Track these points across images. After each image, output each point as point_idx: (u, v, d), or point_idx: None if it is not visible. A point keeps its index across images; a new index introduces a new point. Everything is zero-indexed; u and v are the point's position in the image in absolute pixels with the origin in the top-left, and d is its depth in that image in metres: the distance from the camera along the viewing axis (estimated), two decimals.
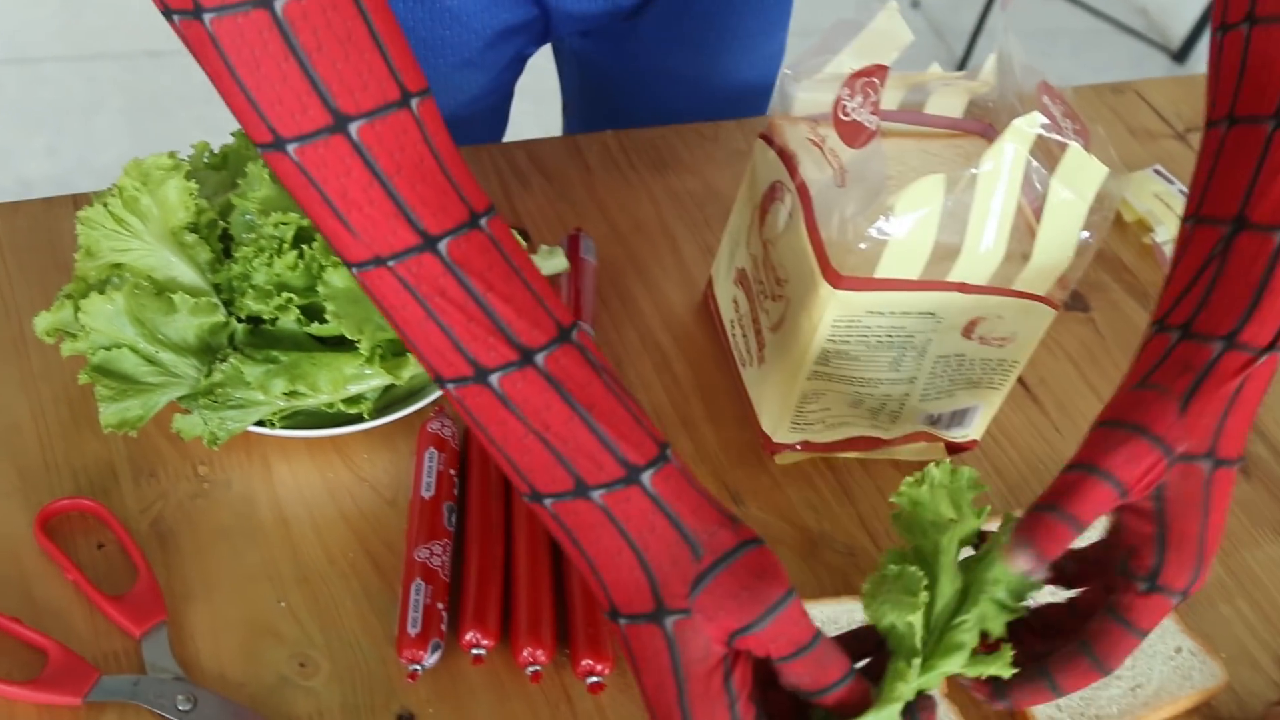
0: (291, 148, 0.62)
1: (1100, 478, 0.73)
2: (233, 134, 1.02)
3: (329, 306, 0.88)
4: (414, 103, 0.64)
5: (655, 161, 1.24)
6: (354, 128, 0.62)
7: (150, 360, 0.89)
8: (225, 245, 0.94)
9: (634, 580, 0.67)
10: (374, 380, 0.90)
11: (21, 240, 1.05)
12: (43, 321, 0.91)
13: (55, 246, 1.05)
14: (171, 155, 0.91)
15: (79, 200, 1.08)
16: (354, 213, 0.63)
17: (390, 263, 0.64)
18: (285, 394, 0.88)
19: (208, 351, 0.90)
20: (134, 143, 2.63)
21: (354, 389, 0.90)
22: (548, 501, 0.67)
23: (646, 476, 0.67)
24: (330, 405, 0.91)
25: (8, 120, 2.69)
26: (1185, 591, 0.75)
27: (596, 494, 0.66)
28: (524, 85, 1.37)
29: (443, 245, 0.64)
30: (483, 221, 0.66)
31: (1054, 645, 0.78)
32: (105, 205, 0.89)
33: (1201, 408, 0.74)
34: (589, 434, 0.66)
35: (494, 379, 0.65)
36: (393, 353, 0.91)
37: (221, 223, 0.94)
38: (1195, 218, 0.79)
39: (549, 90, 1.50)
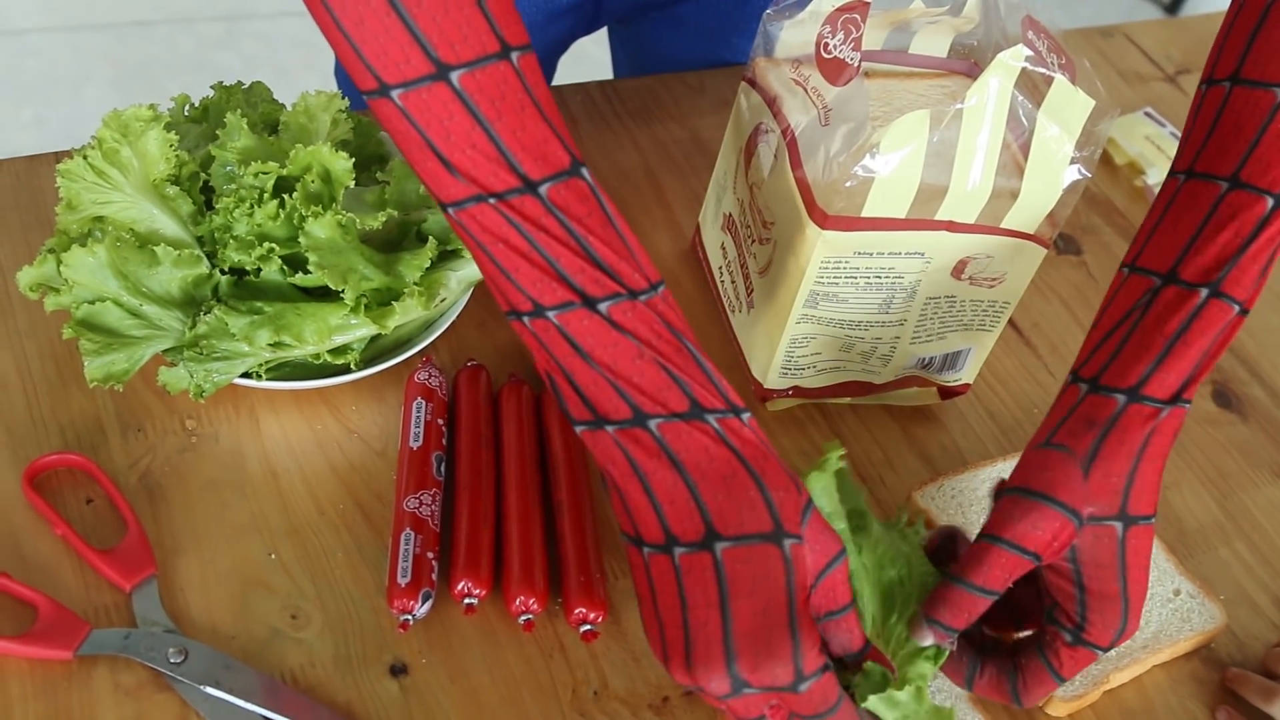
0: (395, 94, 0.64)
1: (1006, 548, 0.74)
2: (212, 87, 1.01)
3: (312, 257, 0.87)
4: (514, 55, 0.65)
5: (640, 111, 1.23)
6: (455, 76, 0.64)
7: (134, 313, 0.88)
8: (207, 198, 0.93)
9: (749, 500, 0.68)
10: (360, 330, 0.90)
11: (4, 198, 1.04)
12: (26, 276, 0.90)
13: (38, 204, 1.04)
14: (151, 107, 0.91)
15: (62, 158, 1.07)
16: (456, 155, 0.65)
17: (492, 200, 0.66)
18: (270, 345, 0.87)
19: (192, 304, 0.90)
20: None
21: (340, 339, 0.89)
22: (654, 423, 0.68)
23: (745, 417, 0.70)
24: (317, 356, 0.90)
25: None
26: (1112, 645, 0.77)
27: (711, 418, 0.68)
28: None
29: (544, 189, 0.66)
30: (583, 170, 0.68)
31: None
32: (85, 157, 0.88)
33: (1106, 468, 0.74)
34: (698, 368, 0.69)
35: (603, 307, 0.67)
36: (378, 302, 0.90)
37: (203, 175, 0.93)
38: (1131, 266, 0.79)
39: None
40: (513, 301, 0.68)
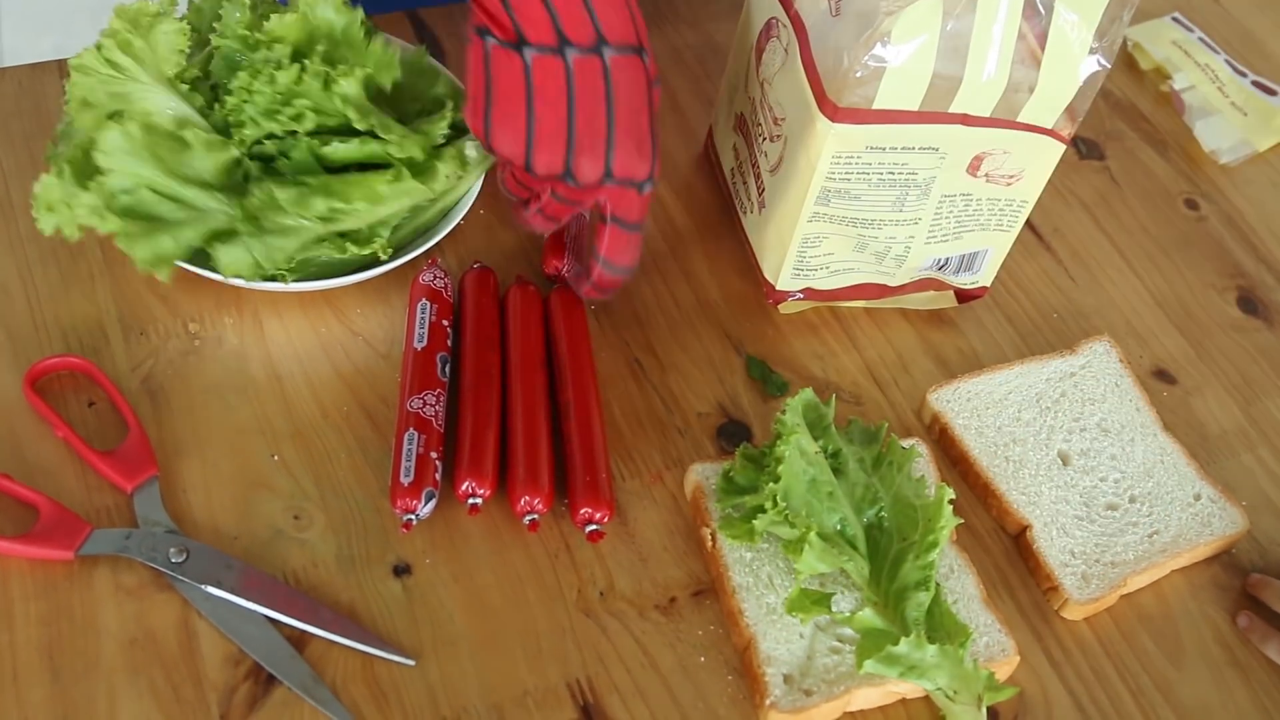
0: None
1: None
2: None
3: (352, 114, 0.86)
4: None
5: (652, 15, 1.19)
6: None
7: (172, 197, 0.86)
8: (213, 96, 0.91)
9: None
10: (405, 199, 0.89)
11: (7, 106, 1.03)
12: (44, 190, 0.86)
13: (41, 111, 1.03)
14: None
15: (64, 66, 1.06)
16: None
17: None
18: (323, 216, 0.86)
19: (228, 189, 0.88)
20: None
21: (385, 211, 0.89)
22: None
23: None
24: (342, 249, 0.89)
25: (15, 23, 2.66)
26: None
27: None
28: None
29: None
30: None
31: None
32: (99, 48, 0.86)
33: None
34: None
35: None
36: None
37: (205, 75, 0.91)
38: None
39: None
40: None
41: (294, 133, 0.87)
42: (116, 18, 0.87)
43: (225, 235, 0.87)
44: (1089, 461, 0.92)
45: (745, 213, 0.99)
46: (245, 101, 0.87)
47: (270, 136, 0.88)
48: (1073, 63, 0.84)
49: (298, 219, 0.86)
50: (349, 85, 0.86)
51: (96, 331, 0.90)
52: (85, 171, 0.86)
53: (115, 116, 0.88)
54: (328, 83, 0.86)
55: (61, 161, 0.88)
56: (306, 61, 0.87)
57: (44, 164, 0.91)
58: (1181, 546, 0.89)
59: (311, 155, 0.87)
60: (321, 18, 0.89)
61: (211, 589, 0.79)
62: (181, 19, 0.96)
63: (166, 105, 0.88)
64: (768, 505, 0.80)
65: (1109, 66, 0.85)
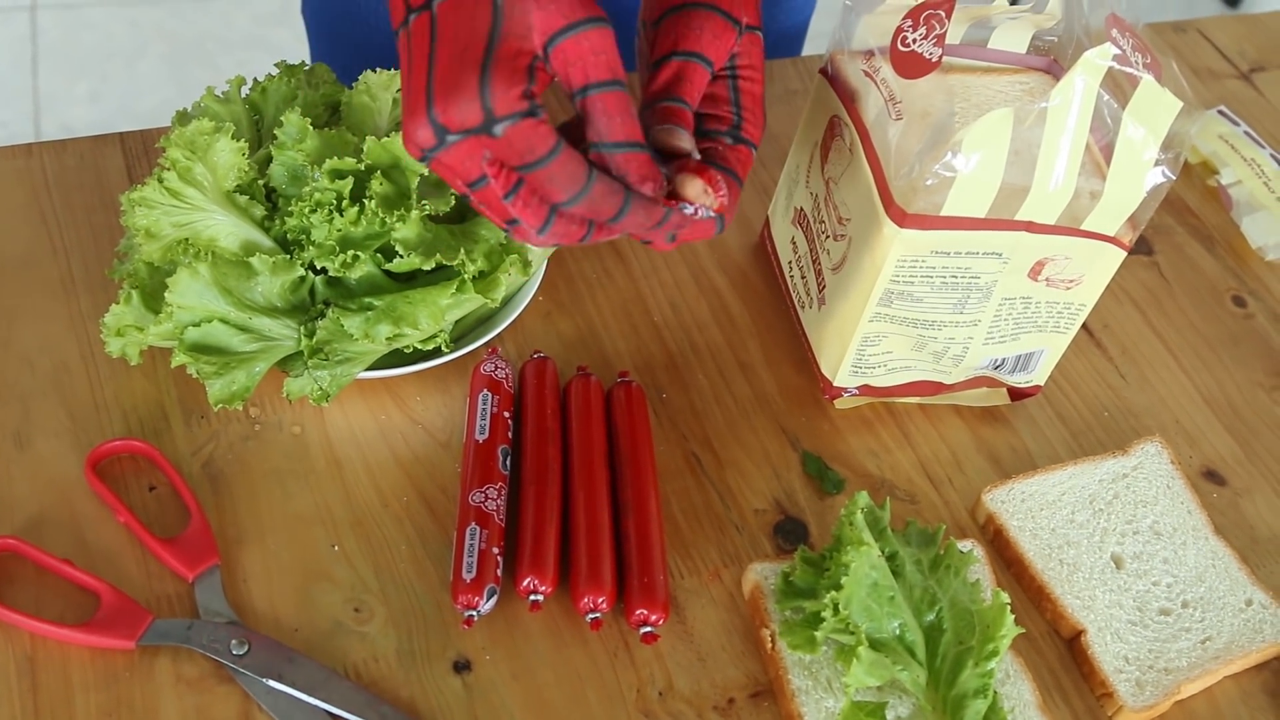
0: None
1: (698, 61, 0.79)
2: (276, 65, 0.99)
3: (408, 254, 0.87)
4: None
5: None
6: None
7: (243, 328, 0.87)
8: (268, 196, 0.92)
9: None
10: (469, 305, 0.89)
11: (69, 179, 1.04)
12: (114, 319, 0.88)
13: (102, 185, 1.03)
14: (209, 113, 0.89)
15: (126, 139, 1.07)
16: None
17: None
18: (390, 338, 0.87)
19: (295, 310, 0.89)
20: (176, 89, 2.62)
21: (452, 317, 0.89)
22: None
23: None
24: (426, 341, 0.90)
25: (51, 66, 2.68)
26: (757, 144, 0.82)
27: None
28: None
29: None
30: None
31: None
32: (161, 181, 0.86)
33: None
34: None
35: None
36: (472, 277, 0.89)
37: (261, 178, 0.91)
38: None
39: None
40: None
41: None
42: (174, 145, 0.87)
43: (293, 361, 0.89)
44: (1142, 565, 0.92)
45: (803, 307, 1.00)
46: (303, 230, 0.88)
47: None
48: (1138, 174, 0.85)
49: (364, 345, 0.87)
50: (406, 230, 0.87)
51: (157, 413, 0.91)
52: (153, 294, 0.88)
53: (181, 244, 0.88)
54: (384, 225, 0.87)
55: (129, 288, 0.89)
56: (366, 202, 0.87)
57: (109, 279, 0.94)
58: (1234, 653, 0.89)
59: (376, 267, 0.88)
60: (384, 151, 0.89)
61: (273, 682, 0.79)
62: (245, 98, 0.97)
63: (230, 229, 0.88)
64: (827, 613, 0.80)
65: (1174, 178, 0.86)
